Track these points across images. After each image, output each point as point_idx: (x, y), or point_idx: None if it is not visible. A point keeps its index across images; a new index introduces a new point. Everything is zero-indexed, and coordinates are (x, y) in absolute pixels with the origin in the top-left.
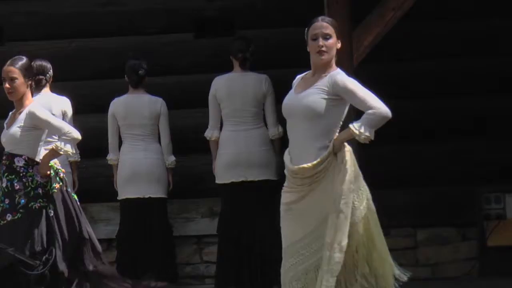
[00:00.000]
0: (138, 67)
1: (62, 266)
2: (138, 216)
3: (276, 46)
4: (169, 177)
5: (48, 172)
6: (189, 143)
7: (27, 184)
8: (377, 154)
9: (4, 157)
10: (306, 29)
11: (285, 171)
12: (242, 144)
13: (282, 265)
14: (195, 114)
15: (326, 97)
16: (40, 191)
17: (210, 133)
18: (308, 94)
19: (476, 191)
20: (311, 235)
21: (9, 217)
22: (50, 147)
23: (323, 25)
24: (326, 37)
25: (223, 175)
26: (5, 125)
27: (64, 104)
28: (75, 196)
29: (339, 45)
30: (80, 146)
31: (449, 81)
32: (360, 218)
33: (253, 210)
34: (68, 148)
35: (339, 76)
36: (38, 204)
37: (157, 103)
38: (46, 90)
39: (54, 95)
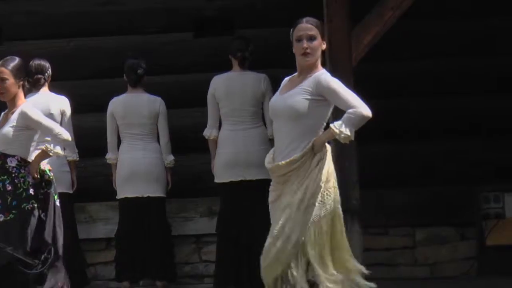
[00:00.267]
0: (137, 66)
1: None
2: (137, 215)
3: (276, 46)
4: (168, 177)
5: (36, 175)
6: (188, 143)
7: (19, 185)
8: (375, 153)
9: None
10: (291, 30)
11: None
12: (241, 144)
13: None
14: (194, 113)
15: (309, 97)
16: (32, 192)
17: (208, 132)
18: (292, 95)
19: (474, 190)
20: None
21: (1, 218)
22: (40, 147)
23: (308, 26)
24: (311, 38)
25: (222, 174)
26: None
27: (63, 103)
28: (55, 198)
29: (324, 46)
30: (79, 145)
31: (447, 80)
32: (323, 215)
33: (252, 209)
34: (58, 150)
35: (323, 76)
36: (31, 205)
37: (156, 103)
38: (44, 89)
39: (53, 94)
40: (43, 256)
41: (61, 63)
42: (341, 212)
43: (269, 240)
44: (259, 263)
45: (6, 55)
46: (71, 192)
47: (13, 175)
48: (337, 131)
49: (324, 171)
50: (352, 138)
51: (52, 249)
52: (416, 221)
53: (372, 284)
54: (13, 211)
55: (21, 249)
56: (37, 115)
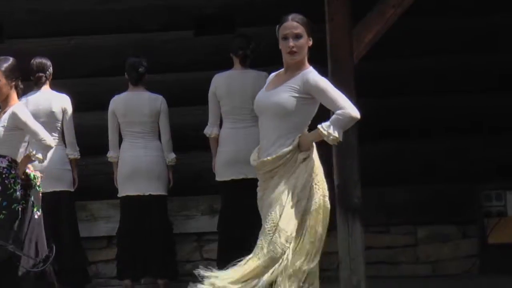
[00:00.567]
0: (138, 64)
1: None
2: (138, 214)
3: (276, 43)
4: (169, 175)
5: (22, 176)
6: (189, 141)
7: (9, 185)
8: (377, 151)
9: None
10: (277, 26)
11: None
12: (241, 142)
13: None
14: (195, 111)
15: (296, 95)
16: (22, 193)
17: (209, 131)
18: (279, 92)
19: (476, 188)
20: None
21: None
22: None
23: (293, 24)
24: (297, 37)
25: (223, 172)
26: None
27: (64, 101)
28: (35, 209)
29: (310, 43)
30: (80, 143)
31: (449, 78)
32: (313, 209)
33: (253, 207)
34: (39, 156)
35: (311, 74)
36: (21, 206)
37: (157, 101)
38: (46, 88)
39: (54, 92)
40: (44, 254)
41: (62, 61)
42: (328, 205)
43: (261, 237)
44: None
45: (7, 53)
46: (72, 190)
47: (4, 175)
48: (325, 132)
49: (312, 166)
50: (341, 140)
51: (53, 246)
52: (418, 219)
53: None
54: (3, 212)
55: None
56: (26, 117)
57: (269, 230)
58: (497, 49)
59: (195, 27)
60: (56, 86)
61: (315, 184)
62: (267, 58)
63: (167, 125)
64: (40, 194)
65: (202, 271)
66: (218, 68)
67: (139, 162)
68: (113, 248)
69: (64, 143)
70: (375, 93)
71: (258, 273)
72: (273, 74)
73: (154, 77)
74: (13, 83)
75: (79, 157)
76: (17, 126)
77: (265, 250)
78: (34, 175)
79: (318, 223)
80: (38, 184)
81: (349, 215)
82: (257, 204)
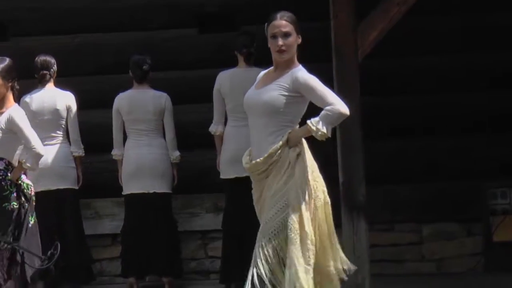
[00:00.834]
0: (142, 62)
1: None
2: (143, 211)
3: None
4: (173, 172)
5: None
6: (194, 138)
7: (5, 187)
8: (382, 149)
9: None
10: (266, 24)
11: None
12: (243, 140)
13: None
14: (199, 109)
15: (285, 93)
16: (16, 195)
17: (214, 128)
18: (268, 90)
19: (481, 186)
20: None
21: None
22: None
23: (282, 23)
24: (286, 35)
25: (227, 170)
26: None
27: (68, 99)
28: (31, 219)
29: (299, 41)
30: (85, 141)
31: (453, 77)
32: (319, 206)
33: None
34: (29, 164)
35: (300, 72)
36: (11, 206)
37: (161, 98)
38: (50, 85)
39: (59, 90)
40: (49, 252)
41: (67, 59)
42: (328, 200)
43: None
44: None
45: (11, 51)
46: (77, 188)
47: (0, 177)
48: (314, 128)
49: (306, 162)
50: (329, 135)
51: (58, 244)
52: (423, 217)
53: None
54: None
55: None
56: (21, 121)
57: (295, 240)
58: (501, 47)
59: (198, 25)
60: (61, 84)
61: (315, 180)
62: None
63: (171, 123)
64: (34, 203)
65: None
66: (222, 66)
67: (143, 160)
68: (118, 246)
69: (69, 140)
70: (380, 91)
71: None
72: (262, 72)
73: (158, 75)
74: (10, 84)
75: (83, 154)
76: (12, 130)
77: (301, 260)
78: (27, 184)
79: (328, 218)
80: (32, 194)
81: (353, 213)
82: (255, 208)
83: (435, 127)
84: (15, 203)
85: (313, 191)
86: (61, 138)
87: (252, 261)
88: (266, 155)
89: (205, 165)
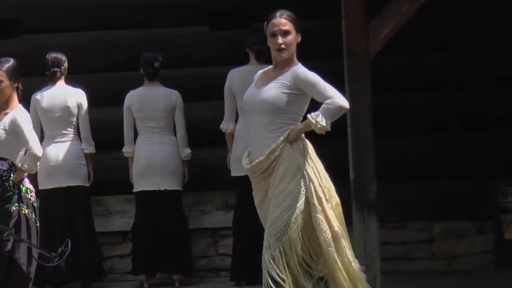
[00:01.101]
0: (153, 59)
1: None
2: (154, 209)
3: None
4: (184, 170)
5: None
6: (205, 136)
7: (8, 188)
8: (393, 147)
9: None
10: (265, 23)
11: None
12: None
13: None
14: (210, 106)
15: (287, 91)
16: (17, 197)
17: (225, 126)
18: (269, 88)
19: (493, 184)
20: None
21: None
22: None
23: (282, 21)
24: (285, 33)
25: (237, 167)
26: None
27: (79, 96)
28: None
29: (299, 39)
30: (96, 138)
31: (465, 75)
32: (334, 204)
33: None
34: (26, 165)
35: (301, 70)
36: (14, 208)
37: (172, 96)
38: (61, 83)
39: (70, 87)
40: (60, 249)
41: (78, 56)
42: (338, 199)
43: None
44: None
45: (22, 48)
46: (87, 185)
47: (3, 178)
48: (313, 121)
49: (317, 164)
50: (328, 129)
51: (68, 242)
52: (434, 215)
53: None
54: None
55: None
56: (24, 122)
57: (328, 245)
58: (511, 47)
59: (210, 22)
60: (72, 81)
61: (326, 180)
62: None
63: (182, 120)
64: (36, 207)
65: None
66: (233, 63)
67: (154, 157)
68: (128, 243)
69: (80, 138)
70: (391, 88)
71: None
72: (260, 71)
73: (169, 72)
74: (16, 85)
75: (94, 152)
76: (15, 131)
77: (340, 264)
78: (26, 188)
79: (341, 218)
80: (31, 200)
81: (364, 211)
82: (258, 209)
83: (447, 125)
84: (17, 205)
85: (327, 191)
86: (72, 135)
87: (263, 264)
88: (267, 151)
89: (216, 162)
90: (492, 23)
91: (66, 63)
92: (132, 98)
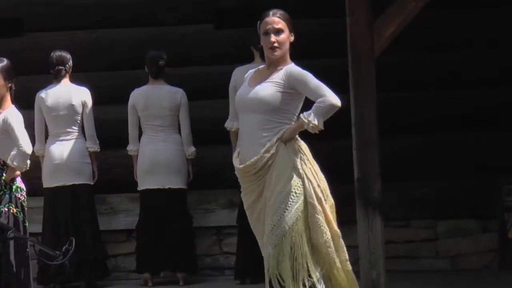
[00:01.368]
0: (158, 57)
1: None
2: (158, 207)
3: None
4: (189, 168)
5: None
6: (209, 134)
7: (0, 188)
8: (397, 145)
9: None
10: (258, 22)
11: (236, 173)
12: None
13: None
14: (215, 105)
15: (281, 90)
16: (9, 196)
17: (230, 124)
18: (263, 88)
19: (497, 183)
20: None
21: None
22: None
23: (274, 20)
24: (278, 32)
25: None
26: None
27: (84, 94)
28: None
29: (292, 38)
30: (100, 136)
31: (471, 73)
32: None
33: None
34: (16, 162)
35: (294, 68)
36: (5, 208)
37: (177, 94)
38: (65, 81)
39: (74, 85)
40: (64, 248)
41: (82, 55)
42: (333, 201)
43: (329, 250)
44: None
45: (27, 47)
46: (92, 183)
47: None
48: (305, 120)
49: (314, 165)
50: (321, 128)
51: (73, 240)
52: (438, 214)
53: None
54: None
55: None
56: (15, 122)
57: (329, 245)
58: None
59: (215, 20)
60: (76, 79)
61: (323, 181)
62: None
63: (187, 119)
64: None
65: None
66: (238, 62)
67: (158, 155)
68: (133, 241)
69: (84, 136)
70: (396, 87)
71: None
72: (252, 70)
73: (174, 71)
74: (10, 85)
75: (99, 150)
76: (7, 130)
77: (338, 264)
78: (17, 187)
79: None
80: (21, 199)
81: (369, 209)
82: (247, 212)
83: (451, 123)
84: (7, 205)
85: (324, 191)
86: (76, 133)
87: (265, 271)
88: (263, 150)
89: (220, 161)
90: (497, 20)
91: (70, 61)
92: (137, 96)
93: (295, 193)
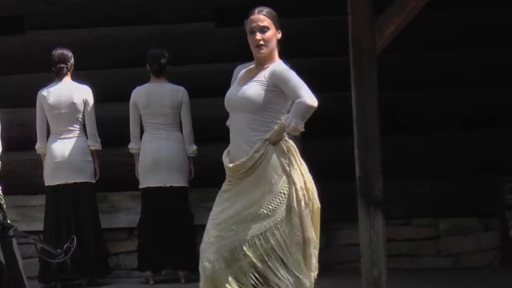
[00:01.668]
0: (160, 56)
1: None
2: (159, 205)
3: (296, 35)
4: (190, 166)
5: None
6: (211, 132)
7: None
8: (399, 144)
9: None
10: (245, 21)
11: (226, 170)
12: None
13: (203, 240)
14: (216, 103)
15: (265, 88)
16: None
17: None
18: (249, 87)
19: (498, 181)
20: (241, 214)
21: None
22: None
23: (260, 17)
24: (264, 30)
25: None
26: None
27: (85, 92)
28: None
29: (279, 35)
30: (102, 135)
31: (472, 72)
32: (315, 209)
33: None
34: None
35: (278, 67)
36: None
37: (178, 92)
38: (67, 79)
39: (76, 83)
40: (65, 246)
41: (84, 53)
42: (319, 204)
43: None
44: None
45: (28, 45)
46: (93, 181)
47: None
48: (285, 123)
49: (301, 166)
50: (301, 130)
51: (74, 238)
52: (440, 212)
53: None
54: None
55: None
56: None
57: (298, 247)
58: None
59: (215, 18)
60: (78, 77)
61: (310, 182)
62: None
63: (188, 117)
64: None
65: None
66: (239, 60)
67: (160, 153)
68: (134, 239)
69: (86, 134)
70: (397, 85)
71: None
72: (244, 70)
73: (175, 69)
74: None
75: (100, 148)
76: None
77: (304, 268)
78: None
79: (318, 224)
80: None
81: (370, 207)
82: (224, 195)
83: (453, 121)
84: None
85: (311, 194)
86: (78, 131)
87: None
88: (252, 150)
89: (222, 159)
90: (497, 20)
91: (72, 59)
92: (139, 94)
93: (284, 193)
